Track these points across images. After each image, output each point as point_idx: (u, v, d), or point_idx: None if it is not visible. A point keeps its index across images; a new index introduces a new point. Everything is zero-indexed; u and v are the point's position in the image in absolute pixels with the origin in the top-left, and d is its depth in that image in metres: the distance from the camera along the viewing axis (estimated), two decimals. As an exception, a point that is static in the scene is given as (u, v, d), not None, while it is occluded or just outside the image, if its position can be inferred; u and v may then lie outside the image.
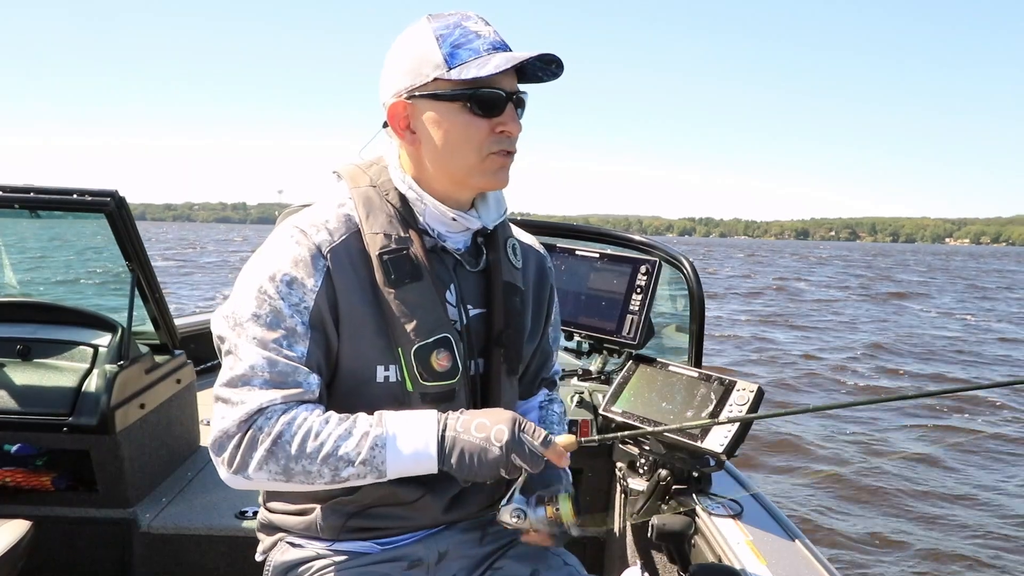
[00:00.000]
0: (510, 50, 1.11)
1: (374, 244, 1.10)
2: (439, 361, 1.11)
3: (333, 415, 1.05)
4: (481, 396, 1.20)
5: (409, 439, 1.03)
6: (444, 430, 1.04)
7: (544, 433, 1.05)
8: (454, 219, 1.15)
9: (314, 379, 1.07)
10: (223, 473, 1.05)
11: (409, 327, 1.09)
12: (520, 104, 1.13)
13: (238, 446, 1.02)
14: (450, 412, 1.07)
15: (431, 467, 1.03)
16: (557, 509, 1.06)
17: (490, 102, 1.08)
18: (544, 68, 1.12)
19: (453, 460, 1.02)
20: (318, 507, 1.17)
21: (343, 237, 1.10)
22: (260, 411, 1.02)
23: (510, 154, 1.13)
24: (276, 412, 1.03)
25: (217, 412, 1.05)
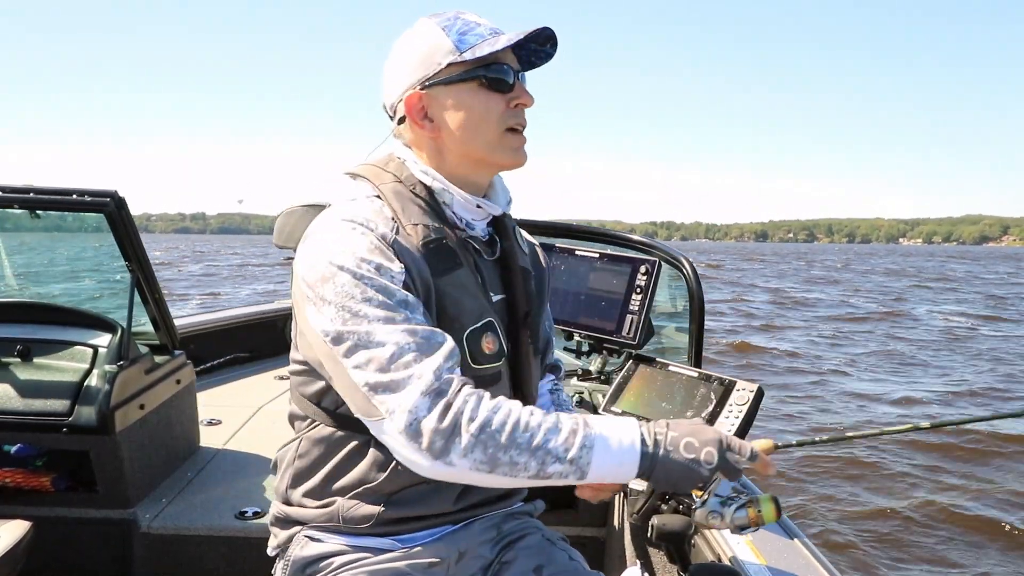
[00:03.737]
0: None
1: (416, 235, 1.10)
2: (488, 344, 1.14)
3: (535, 407, 1.03)
4: (513, 377, 1.24)
5: (615, 446, 1.01)
6: (654, 447, 1.02)
7: (749, 447, 1.07)
8: (478, 206, 1.19)
9: (449, 336, 1.05)
10: (421, 461, 0.97)
11: (459, 313, 1.12)
12: (526, 81, 1.19)
13: (438, 429, 0.95)
14: (654, 426, 1.05)
15: (630, 476, 1.02)
16: (759, 511, 1.10)
17: (504, 78, 1.14)
18: (538, 51, 1.19)
19: (654, 474, 1.02)
20: (339, 499, 1.17)
21: (392, 229, 1.09)
22: (441, 387, 0.97)
23: (523, 131, 1.18)
24: (475, 395, 0.98)
25: (385, 402, 0.97)
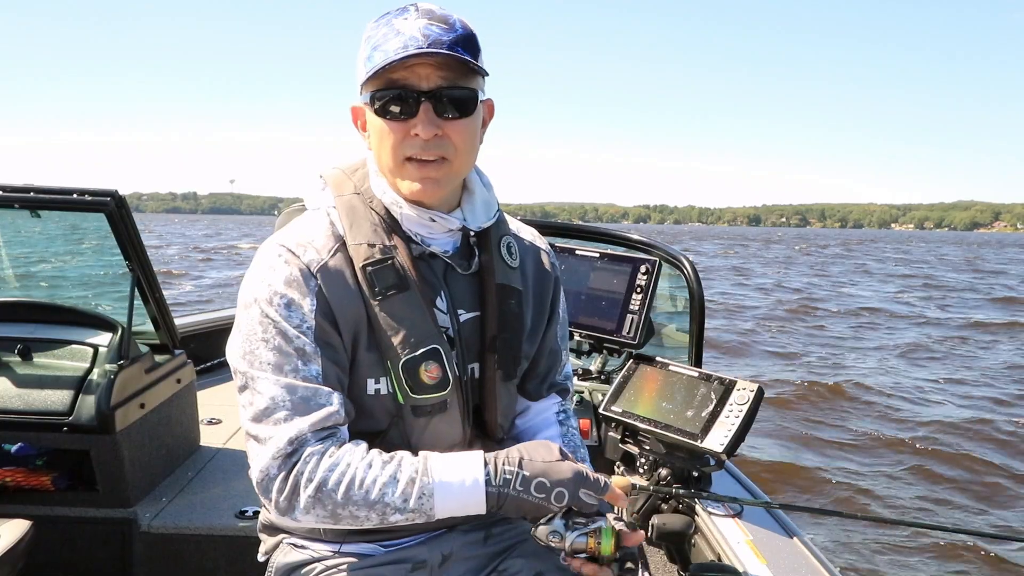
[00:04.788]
0: (444, 42, 1.02)
1: (358, 256, 1.07)
2: (428, 373, 1.08)
3: (375, 457, 1.03)
4: (476, 402, 1.19)
5: (458, 489, 1.01)
6: (502, 485, 1.01)
7: (603, 480, 1.05)
8: (432, 220, 1.12)
9: (336, 397, 1.05)
10: (272, 514, 1.04)
11: (396, 340, 1.07)
12: (451, 101, 1.05)
13: (281, 490, 1.00)
14: (504, 464, 1.03)
15: (480, 512, 1.03)
16: (598, 542, 1.08)
17: (394, 103, 1.04)
18: (463, 56, 1.03)
19: (503, 509, 1.03)
20: None
21: (330, 252, 1.08)
22: (294, 449, 1.01)
23: (431, 162, 1.06)
24: (315, 455, 1.01)
25: (251, 451, 1.04)
